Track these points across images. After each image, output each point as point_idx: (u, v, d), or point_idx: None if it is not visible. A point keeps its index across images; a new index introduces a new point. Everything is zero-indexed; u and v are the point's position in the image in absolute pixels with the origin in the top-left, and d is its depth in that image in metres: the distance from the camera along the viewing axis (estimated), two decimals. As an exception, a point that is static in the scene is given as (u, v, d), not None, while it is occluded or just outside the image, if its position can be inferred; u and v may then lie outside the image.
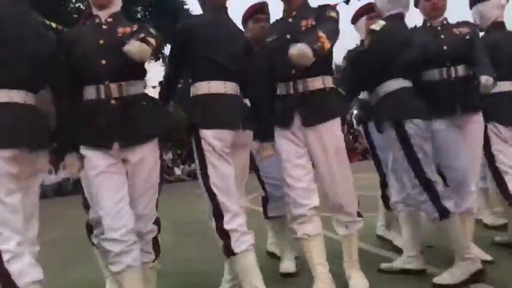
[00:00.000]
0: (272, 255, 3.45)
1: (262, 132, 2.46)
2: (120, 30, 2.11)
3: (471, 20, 2.99)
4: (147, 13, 17.31)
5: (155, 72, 13.04)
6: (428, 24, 2.70)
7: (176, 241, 4.42)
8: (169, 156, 16.59)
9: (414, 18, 2.80)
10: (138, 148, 2.11)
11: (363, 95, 3.19)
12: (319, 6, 2.41)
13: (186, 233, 4.94)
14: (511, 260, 2.87)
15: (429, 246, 3.17)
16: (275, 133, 2.49)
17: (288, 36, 2.36)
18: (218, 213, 2.25)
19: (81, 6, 16.46)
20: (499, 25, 3.00)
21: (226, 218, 2.24)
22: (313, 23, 2.32)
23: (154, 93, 3.44)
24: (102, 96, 2.08)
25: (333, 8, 2.40)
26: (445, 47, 2.60)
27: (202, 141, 2.26)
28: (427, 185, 2.48)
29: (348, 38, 3.56)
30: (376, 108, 2.70)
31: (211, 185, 2.25)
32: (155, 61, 14.19)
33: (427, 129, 2.56)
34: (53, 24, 11.19)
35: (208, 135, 2.25)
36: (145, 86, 2.27)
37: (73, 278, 3.51)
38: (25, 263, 1.79)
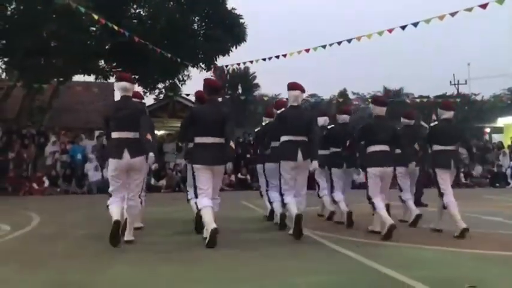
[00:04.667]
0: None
1: None
2: None
3: None
4: (203, 23, 17.58)
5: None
6: None
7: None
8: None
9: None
10: None
11: None
12: None
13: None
14: None
15: (472, 287, 3.04)
16: None
17: None
18: None
19: (142, 12, 17.04)
20: None
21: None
22: None
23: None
24: None
25: None
26: None
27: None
28: None
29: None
30: None
31: None
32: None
33: None
34: (115, 27, 11.69)
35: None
36: None
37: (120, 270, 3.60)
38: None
